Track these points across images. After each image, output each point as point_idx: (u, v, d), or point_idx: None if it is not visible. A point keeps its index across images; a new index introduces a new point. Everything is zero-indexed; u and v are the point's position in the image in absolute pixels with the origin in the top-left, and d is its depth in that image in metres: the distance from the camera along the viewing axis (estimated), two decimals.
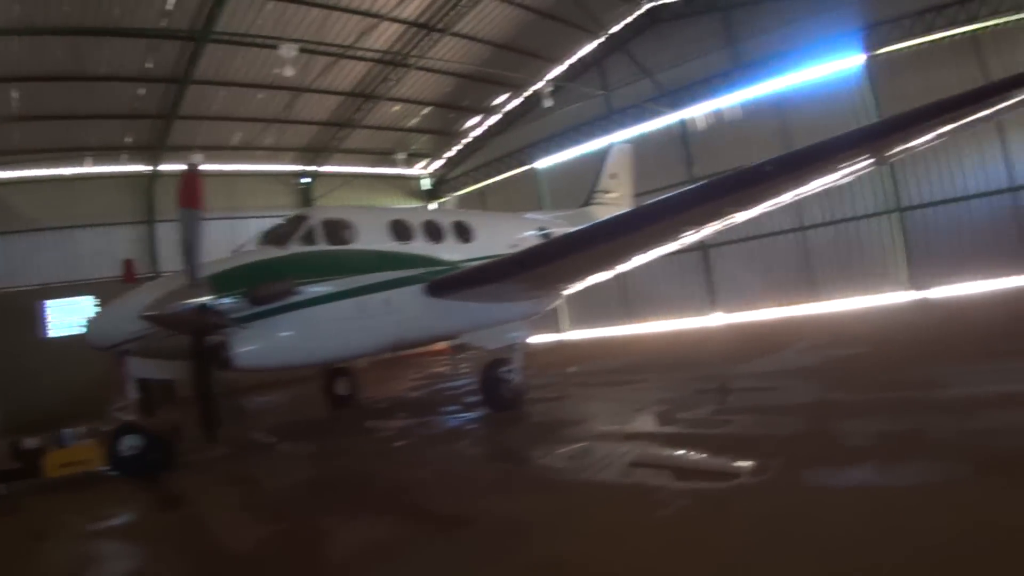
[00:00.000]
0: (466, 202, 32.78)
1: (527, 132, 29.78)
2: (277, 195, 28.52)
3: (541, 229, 15.34)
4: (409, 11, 21.21)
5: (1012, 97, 6.71)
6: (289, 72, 17.13)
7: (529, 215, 17.06)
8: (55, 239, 23.03)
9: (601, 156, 20.81)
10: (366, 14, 20.45)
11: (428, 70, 25.00)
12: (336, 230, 11.19)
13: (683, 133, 24.84)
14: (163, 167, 24.44)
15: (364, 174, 31.21)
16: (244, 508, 7.86)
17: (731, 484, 5.92)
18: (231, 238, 14.52)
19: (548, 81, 26.33)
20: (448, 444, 9.88)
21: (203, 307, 8.44)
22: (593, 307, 26.16)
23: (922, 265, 19.66)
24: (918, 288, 19.70)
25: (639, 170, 21.27)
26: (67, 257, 22.98)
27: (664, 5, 24.63)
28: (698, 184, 8.61)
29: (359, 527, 6.26)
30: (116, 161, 24.07)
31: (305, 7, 19.45)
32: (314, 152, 29.02)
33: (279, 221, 11.70)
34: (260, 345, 8.81)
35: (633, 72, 25.42)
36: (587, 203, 19.01)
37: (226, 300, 8.75)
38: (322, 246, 10.78)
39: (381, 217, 12.29)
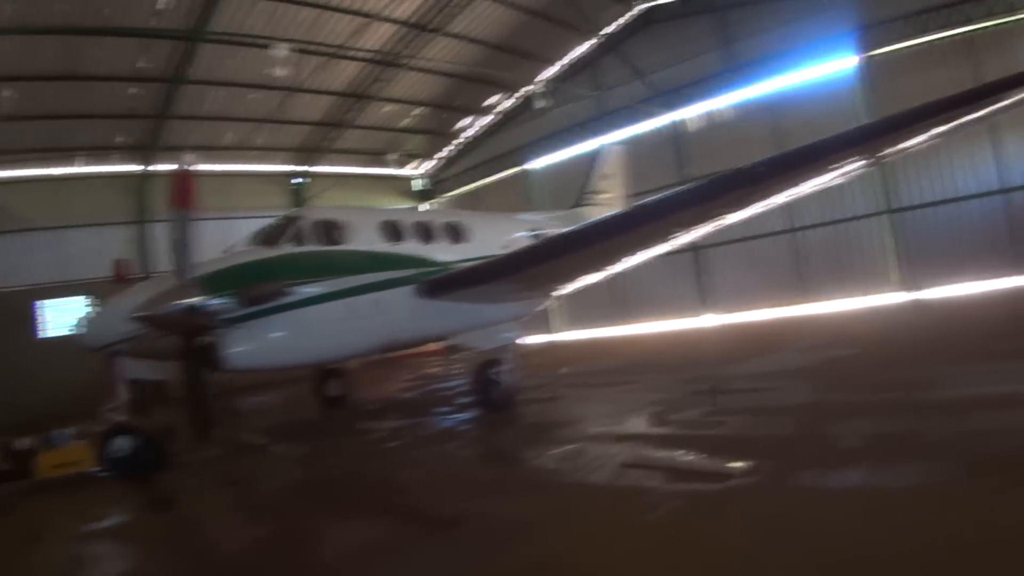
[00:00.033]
0: (459, 202, 32.72)
1: (520, 133, 29.78)
2: (270, 195, 28.39)
3: (533, 230, 15.34)
4: (402, 11, 21.20)
5: (1006, 98, 6.79)
6: (281, 72, 17.09)
7: (522, 216, 17.06)
8: (47, 239, 22.89)
9: (594, 157, 20.82)
10: (359, 14, 20.42)
11: (421, 70, 25.00)
12: (328, 230, 11.17)
13: (676, 134, 24.90)
14: (155, 167, 24.33)
15: (357, 174, 31.17)
16: (237, 509, 7.86)
17: (724, 485, 5.96)
18: (224, 238, 14.43)
19: (541, 82, 26.26)
20: (441, 445, 9.89)
21: (194, 308, 8.41)
22: (585, 308, 26.21)
23: (914, 266, 19.77)
24: (910, 289, 19.80)
25: (632, 171, 21.29)
26: (59, 257, 22.82)
27: (658, 6, 24.69)
28: (690, 185, 8.61)
29: (351, 528, 6.27)
30: (108, 161, 24.00)
31: (297, 6, 19.41)
32: (307, 152, 28.96)
33: (271, 221, 11.67)
34: (251, 346, 8.79)
35: (626, 73, 25.46)
36: (579, 204, 19.00)
37: (217, 301, 8.72)
38: (314, 246, 10.75)
39: (373, 217, 12.27)
